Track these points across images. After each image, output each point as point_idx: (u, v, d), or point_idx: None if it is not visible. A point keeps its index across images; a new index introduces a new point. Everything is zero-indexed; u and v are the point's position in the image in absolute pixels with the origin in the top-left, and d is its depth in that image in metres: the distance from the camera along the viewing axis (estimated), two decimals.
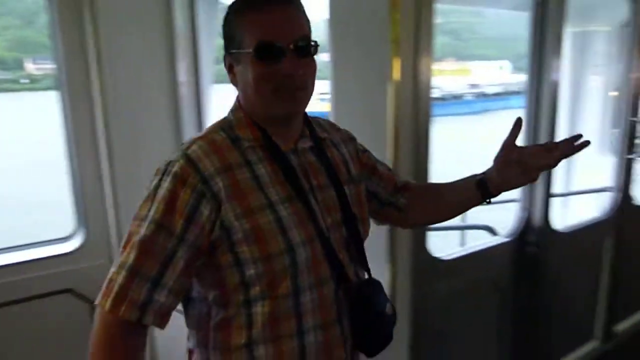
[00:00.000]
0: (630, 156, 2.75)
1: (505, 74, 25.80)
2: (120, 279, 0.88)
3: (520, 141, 1.10)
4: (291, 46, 0.92)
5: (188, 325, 1.04)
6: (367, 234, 1.11)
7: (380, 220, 1.29)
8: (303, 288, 0.96)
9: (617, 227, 2.84)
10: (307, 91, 0.98)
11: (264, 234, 0.93)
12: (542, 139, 2.28)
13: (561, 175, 3.28)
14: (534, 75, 2.25)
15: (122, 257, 0.90)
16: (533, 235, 2.39)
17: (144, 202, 0.93)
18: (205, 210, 0.91)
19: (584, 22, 3.39)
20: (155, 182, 0.93)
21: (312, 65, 0.97)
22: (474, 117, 19.56)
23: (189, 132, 2.28)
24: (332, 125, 1.19)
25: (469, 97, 24.55)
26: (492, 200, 1.14)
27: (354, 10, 1.69)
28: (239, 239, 0.92)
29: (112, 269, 0.90)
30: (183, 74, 2.22)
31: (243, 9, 0.95)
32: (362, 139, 1.25)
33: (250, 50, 0.92)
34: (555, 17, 2.15)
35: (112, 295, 0.87)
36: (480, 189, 1.13)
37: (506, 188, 1.12)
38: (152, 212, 0.90)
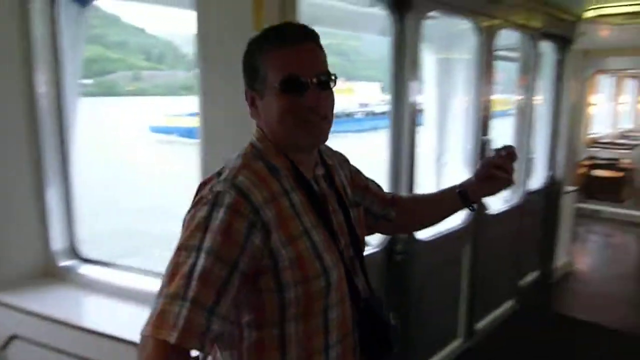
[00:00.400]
0: None
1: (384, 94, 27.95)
2: (184, 311, 0.86)
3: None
4: (314, 80, 0.99)
5: (219, 347, 1.05)
6: (364, 252, 1.20)
7: (372, 232, 1.38)
8: (331, 305, 1.04)
9: (473, 234, 3.16)
10: (328, 121, 1.04)
11: (305, 259, 0.99)
12: (404, 156, 2.47)
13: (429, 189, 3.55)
14: (395, 97, 2.44)
15: (172, 288, 0.88)
16: (401, 244, 2.57)
17: (190, 232, 0.93)
18: (256, 240, 0.94)
19: (447, 49, 3.74)
20: (203, 213, 0.94)
21: (332, 97, 1.04)
22: (364, 134, 20.67)
23: (50, 147, 2.14)
24: (330, 149, 1.25)
25: (359, 115, 25.94)
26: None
27: (220, 26, 1.72)
28: (284, 265, 0.97)
29: (161, 300, 0.88)
30: (42, 85, 2.09)
31: (266, 46, 1.01)
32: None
33: (276, 84, 0.98)
34: (411, 43, 2.37)
35: (179, 328, 0.85)
36: (462, 198, 1.29)
37: (486, 195, 1.31)
38: (206, 243, 0.91)
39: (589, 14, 3.63)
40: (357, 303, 1.11)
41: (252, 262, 0.94)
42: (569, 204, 4.52)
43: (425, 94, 3.26)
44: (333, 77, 1.03)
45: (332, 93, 1.04)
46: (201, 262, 0.89)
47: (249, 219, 0.94)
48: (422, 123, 2.90)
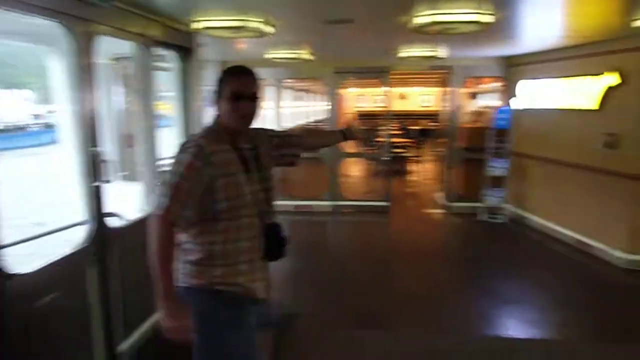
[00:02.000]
0: (96, 183, 2.84)
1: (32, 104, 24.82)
2: (167, 202, 1.86)
3: None
4: (247, 95, 1.98)
5: (185, 230, 1.98)
6: (274, 197, 2.11)
7: (291, 163, 2.37)
8: (244, 216, 1.97)
9: (100, 252, 2.92)
10: (253, 118, 2.02)
11: (230, 187, 1.92)
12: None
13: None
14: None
15: (164, 192, 1.88)
16: None
17: (173, 165, 1.92)
18: (207, 171, 1.88)
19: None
20: (180, 156, 1.91)
21: (256, 106, 2.01)
22: (44, 149, 17.82)
23: None
24: (257, 132, 2.18)
25: (36, 128, 22.38)
26: None
27: None
28: (219, 188, 1.90)
29: (159, 198, 1.89)
30: None
31: (228, 75, 2.00)
32: None
33: (229, 94, 1.97)
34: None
35: (165, 209, 1.86)
36: (342, 134, 2.55)
37: (351, 137, 2.58)
38: (180, 171, 1.88)
39: (196, 25, 3.83)
40: (264, 221, 2.03)
41: (205, 183, 1.87)
42: None
43: (57, 104, 3.02)
44: (258, 96, 1.99)
45: (258, 103, 2.00)
46: (177, 180, 1.87)
47: (203, 160, 1.87)
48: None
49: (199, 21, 3.81)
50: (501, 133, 7.11)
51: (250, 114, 1.97)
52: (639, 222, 5.06)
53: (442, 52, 6.04)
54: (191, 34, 4.26)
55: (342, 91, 14.84)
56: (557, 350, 3.54)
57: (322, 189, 7.80)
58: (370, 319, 4.05)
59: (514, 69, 7.13)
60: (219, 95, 1.97)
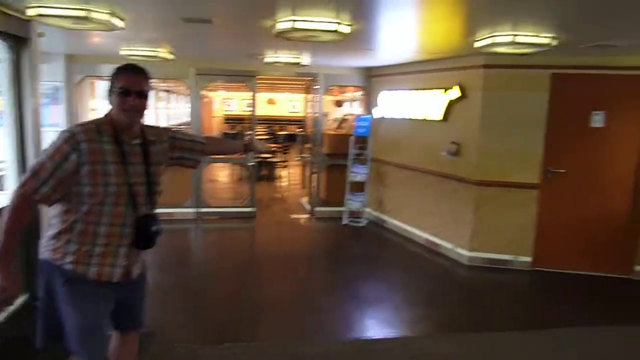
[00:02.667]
0: None
1: None
2: (29, 176, 2.00)
3: None
4: (135, 91, 2.09)
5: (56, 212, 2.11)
6: (158, 192, 2.26)
7: (192, 164, 2.59)
8: (107, 204, 2.06)
9: None
10: (140, 114, 2.14)
11: (96, 174, 2.01)
12: None
13: None
14: None
15: (30, 167, 2.02)
16: None
17: (46, 147, 2.03)
18: (73, 157, 1.98)
19: None
20: (54, 140, 2.02)
21: (145, 102, 2.14)
22: None
23: None
24: (158, 131, 2.36)
25: None
26: None
27: None
28: (85, 175, 2.00)
29: (24, 174, 2.04)
30: None
31: (119, 72, 2.12)
32: None
33: (117, 90, 2.09)
34: None
35: (25, 185, 1.99)
36: (244, 146, 2.88)
37: (252, 149, 2.89)
38: (49, 152, 2.00)
39: (31, 12, 3.35)
40: (138, 212, 2.15)
41: (69, 167, 1.98)
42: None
43: None
44: (146, 93, 2.14)
45: (146, 100, 2.15)
46: (42, 159, 2.00)
47: (72, 146, 1.98)
48: None
49: (33, 7, 3.32)
50: (361, 140, 7.44)
51: (136, 109, 2.09)
52: (479, 223, 5.62)
53: (306, 59, 6.12)
54: (26, 22, 3.72)
55: (208, 94, 14.48)
56: (412, 345, 3.73)
57: (185, 195, 7.43)
58: (235, 331, 3.89)
59: (374, 79, 7.52)
60: (111, 90, 2.11)
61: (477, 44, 4.27)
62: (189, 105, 7.44)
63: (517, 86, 5.36)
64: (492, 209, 5.58)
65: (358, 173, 7.35)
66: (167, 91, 12.78)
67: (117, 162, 2.06)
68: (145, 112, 2.17)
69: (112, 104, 2.12)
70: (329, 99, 7.99)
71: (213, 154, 3.06)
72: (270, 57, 6.04)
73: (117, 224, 2.09)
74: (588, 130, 5.34)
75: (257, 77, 7.36)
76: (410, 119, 6.62)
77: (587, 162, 5.39)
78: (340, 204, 7.59)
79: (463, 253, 5.77)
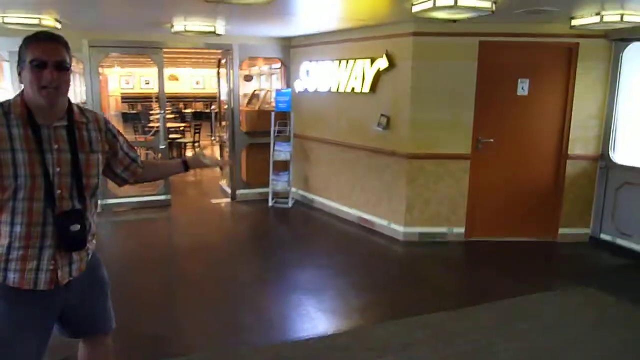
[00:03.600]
0: None
1: None
2: None
3: None
4: (52, 63, 1.69)
5: None
6: (93, 184, 1.89)
7: (115, 179, 2.15)
8: (19, 198, 1.72)
9: None
10: (59, 91, 1.73)
11: (2, 164, 1.68)
12: None
13: None
14: None
15: None
16: None
17: None
18: None
19: None
20: None
21: (67, 76, 1.75)
22: None
23: None
24: (95, 116, 1.96)
25: None
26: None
27: None
28: None
29: None
30: None
31: (28, 42, 1.71)
32: None
33: (29, 62, 1.68)
34: None
35: None
36: (183, 165, 2.31)
37: (196, 167, 2.38)
38: None
39: None
40: (59, 208, 1.78)
41: None
42: None
43: None
44: (67, 64, 1.74)
45: (66, 74, 1.75)
46: None
47: None
48: None
49: None
50: (282, 116, 6.98)
51: (56, 86, 1.71)
52: (412, 197, 5.47)
53: (220, 27, 5.49)
54: None
55: (103, 71, 13.06)
56: (366, 337, 3.46)
57: None
58: (160, 342, 3.35)
59: (294, 50, 7.04)
60: (20, 65, 1.75)
61: (415, 8, 3.97)
62: (83, 84, 6.46)
63: (446, 55, 5.19)
64: (425, 182, 5.45)
65: (281, 151, 6.91)
66: None
67: (30, 149, 1.72)
68: (68, 88, 1.80)
69: (24, 81, 1.74)
70: (243, 72, 7.37)
71: (146, 181, 2.35)
72: (179, 24, 5.33)
73: (35, 223, 1.75)
74: (514, 98, 5.34)
75: (164, 49, 6.57)
76: (335, 92, 6.27)
77: (514, 130, 5.41)
78: (264, 184, 7.13)
79: (398, 229, 5.61)
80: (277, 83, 8.89)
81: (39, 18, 4.75)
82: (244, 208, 7.04)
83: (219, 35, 5.61)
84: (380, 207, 5.86)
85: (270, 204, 6.98)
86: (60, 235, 1.79)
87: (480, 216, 5.53)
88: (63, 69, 1.73)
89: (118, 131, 2.06)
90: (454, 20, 4.82)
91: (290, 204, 6.98)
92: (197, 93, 19.43)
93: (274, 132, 6.88)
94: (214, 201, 7.36)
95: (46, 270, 1.79)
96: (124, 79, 17.64)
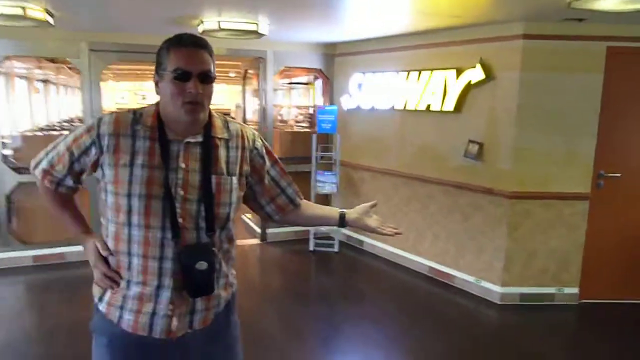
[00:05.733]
0: None
1: None
2: (44, 164, 1.58)
3: None
4: (197, 74, 1.41)
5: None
6: (225, 214, 1.51)
7: (258, 211, 1.73)
8: (134, 225, 1.44)
9: None
10: (203, 105, 1.46)
11: (119, 181, 1.43)
12: None
13: None
14: None
15: (47, 149, 1.58)
16: None
17: (70, 132, 1.55)
18: (93, 151, 1.47)
19: None
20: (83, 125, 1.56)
21: (210, 90, 1.47)
22: None
23: None
24: (242, 131, 1.60)
25: None
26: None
27: None
28: (107, 177, 1.46)
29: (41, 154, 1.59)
30: None
31: (170, 46, 1.43)
32: None
33: (170, 72, 1.41)
34: None
35: (39, 169, 1.58)
36: (340, 220, 1.71)
37: (356, 226, 1.72)
38: (68, 138, 1.53)
39: None
40: (183, 240, 1.45)
41: (86, 162, 1.50)
42: None
43: None
44: (212, 75, 1.45)
45: (211, 86, 1.46)
46: (61, 146, 1.53)
47: (93, 138, 1.47)
48: None
49: None
50: (326, 139, 5.70)
51: (199, 101, 1.43)
52: (514, 249, 4.19)
53: (264, 26, 4.22)
54: None
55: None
56: None
57: None
58: None
59: (339, 59, 5.78)
60: (159, 74, 1.46)
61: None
62: (75, 96, 5.11)
63: (564, 65, 3.96)
64: (530, 230, 4.18)
65: (326, 182, 5.59)
66: (44, 81, 9.79)
67: (152, 166, 1.44)
68: (211, 101, 1.49)
69: (162, 93, 1.47)
70: (278, 85, 6.09)
71: (296, 224, 1.87)
72: (211, 21, 4.05)
73: (152, 256, 1.45)
74: None
75: None
76: (402, 110, 5.00)
77: None
78: None
79: (493, 288, 4.31)
80: (300, 99, 7.65)
81: (22, 7, 3.43)
82: (277, 253, 5.69)
83: (260, 35, 4.34)
84: (463, 259, 4.56)
85: (311, 247, 5.64)
86: (182, 274, 1.47)
87: (600, 272, 4.26)
88: (208, 81, 1.46)
89: (270, 151, 1.68)
90: (580, 20, 3.66)
91: (336, 248, 5.64)
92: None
93: (316, 159, 5.59)
94: (238, 243, 6.00)
95: (163, 316, 1.48)
96: (118, 94, 16.22)
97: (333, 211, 1.75)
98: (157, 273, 1.46)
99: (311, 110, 10.64)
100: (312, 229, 5.56)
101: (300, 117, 10.37)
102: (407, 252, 5.14)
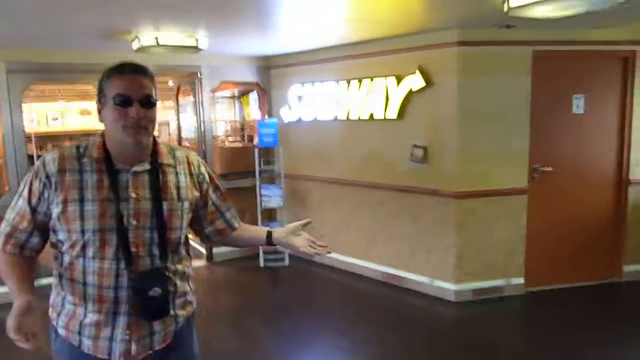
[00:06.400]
0: None
1: None
2: (7, 229, 1.54)
3: None
4: (138, 98, 1.45)
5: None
6: (176, 238, 1.57)
7: (200, 238, 1.81)
8: (88, 257, 1.47)
9: None
10: (147, 129, 1.49)
11: (68, 217, 1.45)
12: None
13: None
14: None
15: (6, 215, 1.53)
16: None
17: (21, 185, 1.54)
18: (47, 193, 1.47)
19: None
20: (27, 174, 1.54)
21: (153, 114, 1.50)
22: None
23: None
24: (187, 157, 1.67)
25: None
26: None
27: None
28: (56, 215, 1.47)
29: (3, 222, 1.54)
30: None
31: (110, 74, 1.47)
32: None
33: (112, 98, 1.45)
34: None
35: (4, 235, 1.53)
36: (267, 239, 1.77)
37: (282, 245, 1.76)
38: (21, 194, 1.51)
39: None
40: (127, 268, 1.47)
41: (44, 207, 1.49)
42: None
43: None
44: (154, 100, 1.49)
45: (153, 110, 1.49)
46: (18, 201, 1.52)
47: (42, 180, 1.48)
48: None
49: None
50: (267, 152, 5.63)
51: (142, 124, 1.47)
52: (463, 246, 4.36)
53: (203, 40, 4.10)
54: None
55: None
56: None
57: None
58: None
59: (275, 71, 5.74)
60: (101, 101, 1.51)
61: (513, 2, 2.92)
62: None
63: (497, 69, 4.21)
64: (477, 226, 4.38)
65: (271, 197, 5.51)
66: None
67: (102, 199, 1.47)
68: (154, 126, 1.53)
69: (105, 120, 1.51)
70: (214, 100, 5.89)
71: (231, 245, 1.87)
72: (148, 36, 3.87)
73: (106, 286, 1.48)
74: (570, 117, 4.48)
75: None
76: (345, 120, 5.05)
77: (572, 155, 4.54)
78: None
79: (447, 287, 4.45)
80: (225, 112, 7.53)
81: None
82: (227, 272, 5.50)
83: (199, 50, 4.20)
84: (415, 260, 4.67)
85: (261, 264, 5.51)
86: (137, 301, 1.49)
87: (540, 261, 4.54)
88: (150, 105, 1.49)
89: (212, 177, 1.75)
90: (508, 26, 3.92)
91: (287, 262, 5.56)
92: None
93: (260, 173, 5.50)
94: None
95: (120, 340, 1.52)
96: (27, 116, 15.01)
97: (261, 231, 1.82)
98: (112, 301, 1.49)
99: (238, 125, 10.55)
100: (260, 247, 5.44)
101: (229, 131, 10.19)
102: (360, 259, 5.18)
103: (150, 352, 1.56)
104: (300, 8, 3.38)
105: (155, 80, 1.53)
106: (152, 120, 1.51)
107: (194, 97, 5.50)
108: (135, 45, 4.00)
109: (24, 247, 1.53)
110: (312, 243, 1.72)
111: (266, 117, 5.83)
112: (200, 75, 5.39)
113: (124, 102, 1.44)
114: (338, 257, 5.37)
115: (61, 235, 1.48)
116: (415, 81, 4.34)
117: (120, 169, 1.51)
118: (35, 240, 1.54)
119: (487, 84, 4.21)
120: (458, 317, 4.21)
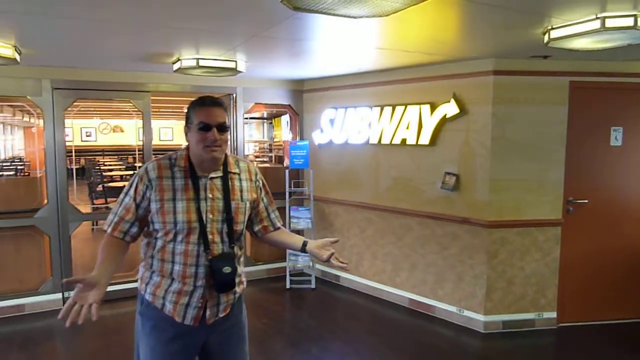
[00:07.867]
0: None
1: None
2: (115, 218, 1.98)
3: None
4: (215, 125, 1.91)
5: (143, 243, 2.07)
6: (240, 230, 2.05)
7: (251, 235, 2.25)
8: (177, 242, 1.93)
9: None
10: (221, 147, 1.94)
11: (164, 212, 1.91)
12: None
13: None
14: None
15: (113, 209, 2.00)
16: None
17: (128, 184, 1.99)
18: (148, 193, 1.93)
19: None
20: (133, 177, 2.00)
21: (226, 137, 1.96)
22: None
23: None
24: (247, 167, 2.13)
25: None
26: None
27: None
28: (154, 211, 1.92)
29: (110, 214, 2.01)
30: None
31: (195, 106, 1.96)
32: None
33: (196, 125, 1.92)
34: None
35: (111, 226, 1.98)
36: (302, 247, 2.14)
37: (312, 254, 2.12)
38: (127, 190, 1.98)
39: None
40: (205, 251, 1.94)
41: (145, 205, 1.94)
42: None
43: None
44: (227, 126, 1.97)
45: (226, 134, 1.96)
46: (124, 198, 1.97)
47: (146, 183, 1.94)
48: None
49: None
50: (297, 174, 5.67)
51: (218, 145, 1.93)
52: (494, 277, 4.28)
53: (242, 63, 4.20)
54: None
55: (36, 121, 11.14)
56: None
57: (39, 276, 4.79)
58: None
59: (308, 95, 5.83)
60: (188, 126, 1.99)
61: (555, 34, 2.92)
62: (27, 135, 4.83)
63: (532, 99, 4.19)
64: (508, 257, 4.30)
65: (300, 218, 5.54)
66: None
67: (189, 198, 1.95)
68: (227, 145, 2.01)
69: (190, 140, 1.98)
70: (246, 121, 6.01)
71: (271, 244, 2.29)
72: (189, 58, 3.99)
73: (190, 264, 1.96)
74: (608, 149, 4.40)
75: (152, 92, 5.13)
76: (376, 144, 5.08)
77: (609, 188, 4.44)
78: (274, 259, 5.69)
79: (476, 317, 4.36)
80: (254, 133, 7.61)
81: None
82: (253, 292, 5.51)
83: (237, 72, 4.31)
84: (443, 289, 4.61)
85: (287, 285, 5.51)
86: (213, 276, 1.95)
87: (575, 296, 4.43)
88: (224, 130, 1.96)
89: (265, 184, 2.20)
90: (545, 57, 3.90)
91: (313, 285, 5.55)
92: (162, 145, 17.32)
93: (289, 194, 5.54)
94: None
95: (194, 307, 1.97)
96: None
97: (298, 238, 2.22)
98: (193, 276, 1.95)
99: (267, 146, 10.74)
100: (287, 266, 5.46)
101: (258, 152, 10.34)
102: (385, 284, 5.13)
103: (216, 318, 2.01)
104: (335, 36, 3.44)
105: (227, 109, 1.94)
106: (225, 141, 1.97)
107: (228, 117, 5.60)
108: (176, 66, 4.13)
109: (126, 233, 1.97)
110: (336, 258, 2.06)
111: (297, 139, 5.89)
112: (235, 96, 5.51)
113: (205, 128, 1.90)
114: (363, 282, 5.33)
115: (157, 226, 1.94)
116: (450, 108, 4.35)
117: (200, 175, 1.98)
118: (134, 229, 1.97)
119: (522, 114, 4.18)
120: (486, 349, 4.11)
